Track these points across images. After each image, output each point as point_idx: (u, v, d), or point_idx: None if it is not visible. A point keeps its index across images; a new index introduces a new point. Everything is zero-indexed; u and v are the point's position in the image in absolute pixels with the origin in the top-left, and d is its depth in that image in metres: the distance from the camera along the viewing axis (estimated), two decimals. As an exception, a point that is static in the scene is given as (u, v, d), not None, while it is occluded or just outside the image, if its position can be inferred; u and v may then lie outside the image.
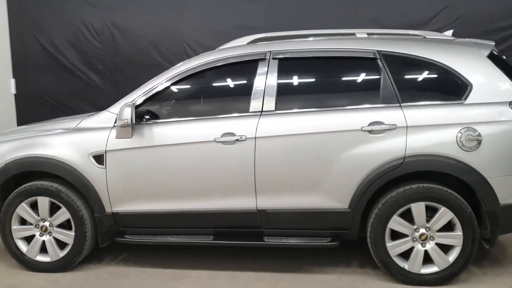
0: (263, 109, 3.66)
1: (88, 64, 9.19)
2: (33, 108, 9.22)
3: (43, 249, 3.93)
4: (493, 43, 3.77)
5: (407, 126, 3.47)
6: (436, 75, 3.64)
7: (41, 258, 3.94)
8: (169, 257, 4.14)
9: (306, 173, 3.58)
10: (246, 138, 3.60)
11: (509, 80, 3.51)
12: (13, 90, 9.43)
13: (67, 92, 9.08)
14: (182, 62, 3.91)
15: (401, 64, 3.66)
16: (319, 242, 3.68)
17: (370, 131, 3.49)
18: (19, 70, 9.49)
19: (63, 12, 9.24)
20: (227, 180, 3.66)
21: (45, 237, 3.92)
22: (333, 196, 3.57)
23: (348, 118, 3.55)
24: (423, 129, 3.47)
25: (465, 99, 3.50)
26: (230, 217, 3.74)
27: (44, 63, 9.38)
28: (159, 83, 3.83)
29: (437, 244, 3.52)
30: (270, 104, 3.66)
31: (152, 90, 3.82)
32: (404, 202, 3.48)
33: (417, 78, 3.76)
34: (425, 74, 3.68)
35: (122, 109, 3.64)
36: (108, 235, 3.92)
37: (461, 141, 3.40)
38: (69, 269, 3.93)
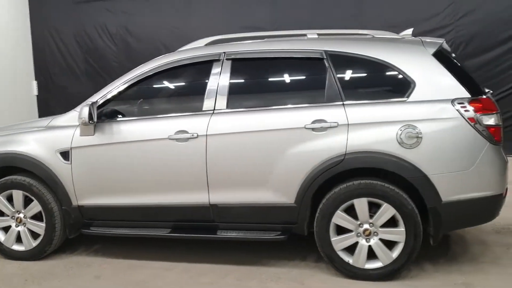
0: (215, 108, 3.81)
1: (105, 67, 9.63)
2: (53, 109, 9.67)
3: (19, 239, 4.23)
4: (442, 41, 3.79)
5: (348, 124, 3.55)
6: (381, 74, 3.71)
7: (16, 247, 4.24)
8: (134, 249, 4.35)
9: (254, 170, 3.72)
10: (198, 135, 3.77)
11: (453, 78, 3.53)
12: (35, 92, 9.96)
13: (86, 93, 9.43)
14: (143, 64, 4.11)
15: (347, 63, 3.75)
16: (268, 236, 3.80)
17: (313, 129, 3.59)
18: (40, 72, 10.01)
19: (81, 17, 9.69)
20: (181, 176, 3.85)
21: (20, 228, 4.21)
22: (280, 191, 3.69)
23: (293, 117, 3.66)
24: (364, 127, 3.54)
25: (408, 97, 3.55)
26: (186, 211, 3.92)
27: (64, 65, 9.87)
28: (120, 83, 4.06)
29: (381, 239, 3.58)
30: (222, 103, 3.81)
31: (114, 90, 4.05)
32: (346, 198, 3.56)
33: (362, 77, 3.84)
34: (370, 73, 3.76)
35: (82, 108, 3.88)
36: (75, 226, 4.18)
37: (401, 138, 3.45)
38: (41, 258, 4.21)
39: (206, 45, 4.15)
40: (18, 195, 4.16)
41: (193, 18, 9.24)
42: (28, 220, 4.19)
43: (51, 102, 10.13)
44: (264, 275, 3.79)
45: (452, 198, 3.47)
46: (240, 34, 4.30)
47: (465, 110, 3.43)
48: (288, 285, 3.63)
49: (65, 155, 4.04)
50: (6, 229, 4.26)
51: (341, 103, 3.62)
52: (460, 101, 3.45)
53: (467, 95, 3.48)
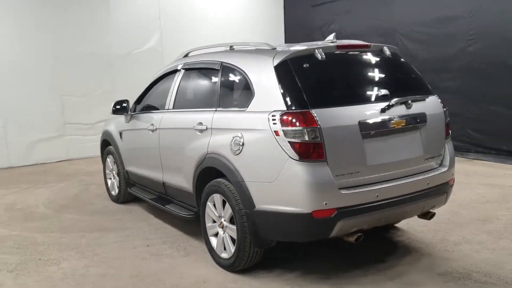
0: (168, 107, 4.91)
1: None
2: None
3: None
4: (290, 53, 3.70)
5: (212, 128, 4.08)
6: (241, 84, 3.99)
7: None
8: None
9: (175, 159, 4.67)
10: (156, 128, 4.99)
11: (279, 90, 3.54)
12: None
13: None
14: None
15: (228, 74, 4.18)
16: (182, 213, 4.67)
17: (197, 130, 4.27)
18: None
19: (313, 19, 11.09)
20: (151, 158, 5.15)
21: (115, 180, 6.38)
22: (186, 179, 4.52)
23: (191, 118, 4.40)
24: (219, 132, 4.02)
25: (247, 106, 3.79)
26: (156, 185, 5.21)
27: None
28: (146, 86, 5.59)
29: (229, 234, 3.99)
30: (171, 103, 4.87)
31: (144, 91, 5.62)
32: (210, 192, 4.12)
33: (231, 86, 4.15)
34: (236, 83, 4.06)
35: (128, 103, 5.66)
36: (129, 185, 5.98)
37: (232, 145, 3.79)
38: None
39: (184, 56, 5.18)
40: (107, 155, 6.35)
41: (395, 12, 9.26)
42: (114, 174, 6.28)
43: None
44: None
45: (262, 207, 3.58)
46: (208, 46, 5.00)
47: (274, 123, 3.46)
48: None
49: (120, 134, 5.92)
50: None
51: (214, 109, 4.16)
52: (274, 113, 3.49)
53: (284, 108, 3.47)
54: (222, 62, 4.28)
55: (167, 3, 10.47)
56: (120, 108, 5.65)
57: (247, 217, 3.68)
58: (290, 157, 3.38)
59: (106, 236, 5.06)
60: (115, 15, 9.91)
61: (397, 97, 3.70)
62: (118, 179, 6.12)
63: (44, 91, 9.33)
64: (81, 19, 9.58)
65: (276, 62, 3.67)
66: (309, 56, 3.71)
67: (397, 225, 4.90)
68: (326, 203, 3.35)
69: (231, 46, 4.48)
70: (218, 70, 4.29)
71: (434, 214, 4.12)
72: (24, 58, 9.10)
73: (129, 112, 5.64)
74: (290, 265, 4.07)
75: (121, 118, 5.93)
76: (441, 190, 3.95)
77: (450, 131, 4.16)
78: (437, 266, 3.99)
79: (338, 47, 3.84)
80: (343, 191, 3.41)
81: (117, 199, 6.26)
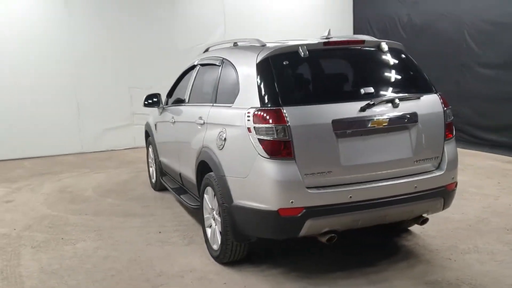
0: (186, 101, 5.10)
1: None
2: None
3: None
4: (272, 51, 3.67)
5: (207, 123, 4.20)
6: (233, 80, 4.02)
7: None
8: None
9: (185, 151, 4.85)
10: (175, 121, 5.22)
11: (256, 88, 3.56)
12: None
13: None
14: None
15: (226, 70, 4.24)
16: (190, 204, 4.84)
17: (198, 124, 4.41)
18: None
19: (382, 8, 10.74)
20: (172, 149, 5.40)
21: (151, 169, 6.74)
22: (192, 171, 4.68)
23: (195, 112, 4.55)
24: (211, 127, 4.13)
25: (233, 103, 3.85)
26: (175, 175, 5.44)
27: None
28: (174, 82, 5.83)
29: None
30: (187, 97, 5.06)
31: (171, 87, 5.87)
32: (205, 185, 4.25)
33: (227, 82, 4.17)
34: (230, 79, 4.10)
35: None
36: (162, 174, 6.29)
37: (217, 139, 3.88)
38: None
39: (203, 52, 5.31)
40: (148, 145, 6.72)
41: (464, 3, 8.68)
42: (153, 163, 6.64)
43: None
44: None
45: (239, 202, 3.64)
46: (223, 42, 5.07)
47: (248, 120, 3.50)
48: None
49: (155, 126, 6.23)
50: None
51: (211, 104, 4.26)
52: (250, 110, 3.52)
53: (259, 105, 3.49)
54: (223, 58, 4.37)
55: (231, -4, 10.72)
56: (151, 101, 5.94)
57: (228, 211, 3.75)
58: (259, 154, 3.40)
59: (129, 221, 5.40)
60: (181, 10, 10.33)
61: (382, 96, 3.55)
62: (154, 168, 6.47)
63: (114, 83, 10.01)
64: (149, 16, 10.12)
65: (259, 59, 3.68)
66: (292, 53, 3.66)
67: (410, 228, 4.69)
68: (292, 202, 3.33)
69: (235, 43, 4.54)
70: (219, 66, 4.39)
71: (426, 219, 3.90)
72: (98, 54, 9.85)
73: (160, 105, 5.92)
74: (279, 261, 4.09)
75: (157, 110, 6.24)
76: (435, 194, 3.72)
77: (454, 132, 3.90)
78: (430, 274, 3.78)
79: (326, 43, 3.75)
80: (311, 191, 3.36)
81: (155, 187, 6.61)
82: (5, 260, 4.39)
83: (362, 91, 3.58)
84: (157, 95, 5.94)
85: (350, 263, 4.02)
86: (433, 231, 4.62)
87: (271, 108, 3.42)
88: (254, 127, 3.43)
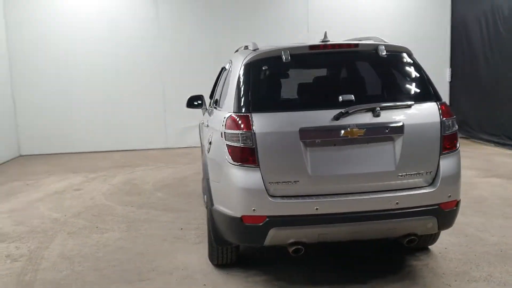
0: (210, 104, 5.22)
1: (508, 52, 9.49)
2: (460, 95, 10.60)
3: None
4: (254, 55, 3.61)
5: (208, 126, 4.30)
6: (228, 83, 4.02)
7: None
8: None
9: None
10: (203, 122, 5.37)
11: (236, 94, 3.56)
12: (448, 79, 11.02)
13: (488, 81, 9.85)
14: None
15: (228, 73, 4.27)
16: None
17: (205, 126, 4.52)
18: (456, 60, 10.88)
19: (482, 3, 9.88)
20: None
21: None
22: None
23: (211, 116, 4.63)
24: (209, 129, 4.19)
25: (221, 107, 3.88)
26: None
27: (474, 53, 10.37)
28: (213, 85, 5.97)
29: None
30: (213, 100, 5.18)
31: (212, 89, 6.02)
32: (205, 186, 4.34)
33: (225, 85, 4.17)
34: (226, 82, 4.11)
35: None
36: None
37: (207, 142, 3.95)
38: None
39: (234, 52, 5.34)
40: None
41: None
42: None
43: (462, 89, 10.81)
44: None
45: (217, 206, 3.66)
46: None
47: (222, 125, 3.52)
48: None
49: (199, 126, 6.44)
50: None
51: (215, 107, 4.34)
52: (226, 115, 3.54)
53: (232, 110, 3.50)
54: (230, 60, 4.41)
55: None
56: (195, 103, 6.15)
57: (210, 214, 3.80)
58: (227, 160, 3.40)
59: (163, 215, 5.68)
60: (264, 12, 10.50)
61: (361, 104, 3.33)
62: (203, 166, 6.70)
63: (198, 82, 10.47)
64: (233, 20, 10.46)
65: (244, 63, 3.68)
66: (274, 58, 3.60)
67: (430, 247, 4.31)
68: (254, 209, 3.28)
69: (245, 46, 4.54)
70: (227, 69, 4.44)
71: (413, 240, 3.54)
72: (184, 53, 10.47)
73: (203, 106, 6.10)
74: (270, 269, 4.02)
75: (206, 112, 6.43)
76: (424, 213, 3.39)
77: (457, 144, 3.52)
78: (416, 300, 3.47)
79: (311, 47, 3.60)
80: (275, 200, 3.28)
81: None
82: (39, 242, 4.91)
83: (341, 98, 3.38)
84: (200, 97, 6.12)
85: (340, 277, 3.83)
86: (456, 253, 4.20)
87: (240, 114, 3.40)
88: (225, 132, 3.44)
